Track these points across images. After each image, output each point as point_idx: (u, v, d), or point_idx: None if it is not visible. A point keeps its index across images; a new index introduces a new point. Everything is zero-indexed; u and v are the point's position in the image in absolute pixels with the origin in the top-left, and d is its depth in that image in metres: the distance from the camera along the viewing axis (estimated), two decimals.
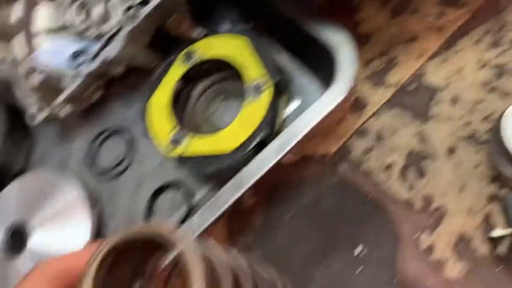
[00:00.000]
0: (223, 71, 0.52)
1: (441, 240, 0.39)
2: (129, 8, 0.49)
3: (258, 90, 0.45)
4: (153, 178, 0.52)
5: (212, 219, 0.41)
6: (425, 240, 0.40)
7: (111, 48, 0.50)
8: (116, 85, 0.57)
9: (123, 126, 0.56)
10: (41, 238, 0.49)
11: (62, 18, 0.59)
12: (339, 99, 0.41)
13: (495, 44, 0.44)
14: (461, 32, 0.45)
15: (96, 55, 0.51)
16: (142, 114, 0.55)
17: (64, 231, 0.50)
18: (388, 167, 0.43)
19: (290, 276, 0.42)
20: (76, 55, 0.58)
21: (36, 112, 0.52)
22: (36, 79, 0.54)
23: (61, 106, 0.54)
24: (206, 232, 0.42)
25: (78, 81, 0.52)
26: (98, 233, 0.50)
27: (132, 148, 0.54)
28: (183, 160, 0.46)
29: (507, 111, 0.37)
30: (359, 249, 0.41)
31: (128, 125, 0.56)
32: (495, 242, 0.39)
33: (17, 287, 0.23)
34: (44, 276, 0.23)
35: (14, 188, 0.53)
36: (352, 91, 0.41)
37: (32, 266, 0.48)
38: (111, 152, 0.55)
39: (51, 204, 0.51)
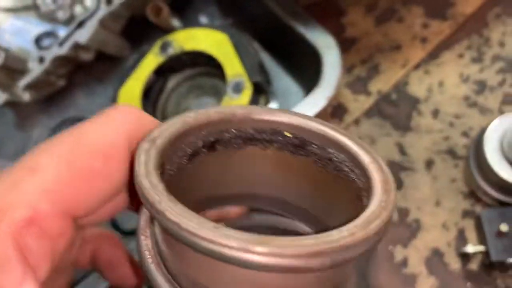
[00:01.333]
0: (199, 66, 0.50)
1: (415, 254, 0.39)
2: None
3: (237, 88, 0.43)
4: None
5: None
6: (400, 252, 0.39)
7: (82, 33, 0.47)
8: (81, 73, 0.54)
9: (86, 117, 0.53)
10: None
11: None
12: (321, 104, 0.39)
13: (477, 59, 0.44)
14: (445, 45, 0.45)
15: (66, 39, 0.47)
16: (107, 105, 0.52)
17: None
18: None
19: None
20: (41, 37, 0.54)
21: None
22: None
23: (22, 90, 0.50)
24: None
25: (43, 66, 0.48)
26: None
27: None
28: None
29: (489, 127, 0.37)
30: None
31: (92, 115, 0.53)
32: (466, 258, 0.39)
33: (95, 121, 0.19)
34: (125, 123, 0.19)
35: None
36: (334, 97, 0.40)
37: None
38: None
39: None
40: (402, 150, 0.42)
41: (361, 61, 0.46)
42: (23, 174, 0.16)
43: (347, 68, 0.46)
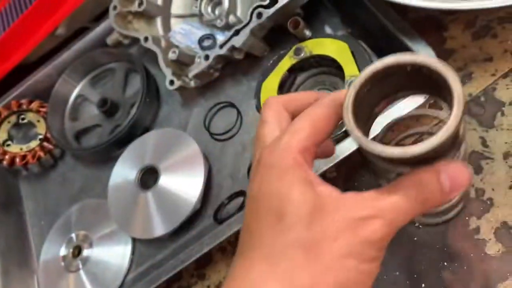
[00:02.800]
0: (322, 67, 0.64)
1: (487, 224, 0.49)
2: (256, 7, 0.62)
3: None
4: None
5: None
6: (473, 222, 0.50)
7: (237, 39, 0.63)
8: (230, 67, 0.71)
9: (233, 101, 0.69)
10: (166, 179, 0.64)
11: (194, 8, 0.73)
12: (421, 101, 0.51)
13: None
14: None
15: (225, 43, 0.64)
16: (249, 93, 0.69)
17: (183, 177, 0.64)
18: None
19: None
20: (202, 39, 0.72)
21: (174, 79, 0.66)
22: (172, 54, 0.68)
23: (190, 79, 0.68)
24: None
25: (207, 62, 0.65)
26: (207, 183, 0.64)
27: (240, 119, 0.68)
28: None
29: None
30: (416, 224, 0.52)
31: (238, 101, 0.69)
32: None
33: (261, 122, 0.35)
34: (275, 105, 0.35)
35: (147, 138, 0.69)
36: None
37: (157, 200, 0.63)
38: (223, 120, 0.69)
39: (175, 154, 0.66)
40: (484, 143, 0.52)
41: (457, 69, 0.56)
42: (290, 136, 0.32)
43: None
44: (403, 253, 0.51)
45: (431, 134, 0.45)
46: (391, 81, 0.33)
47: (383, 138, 0.46)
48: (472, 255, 0.48)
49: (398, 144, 0.49)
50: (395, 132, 0.48)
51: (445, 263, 0.49)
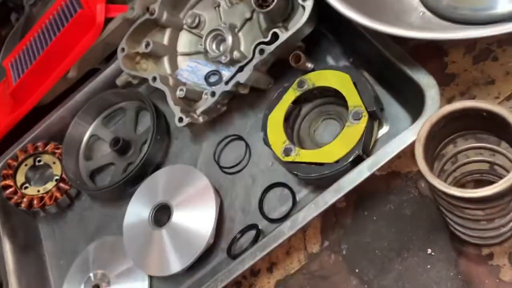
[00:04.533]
0: (326, 97, 0.65)
1: (500, 250, 0.49)
2: (258, 44, 0.63)
3: (357, 116, 0.57)
4: (265, 177, 0.66)
5: (314, 215, 0.54)
6: (487, 248, 0.49)
7: (242, 75, 0.64)
8: (236, 101, 0.72)
9: (241, 134, 0.71)
10: (179, 216, 0.65)
11: (199, 46, 0.75)
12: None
13: None
14: None
15: (230, 79, 0.66)
16: (256, 125, 0.70)
17: (196, 212, 0.65)
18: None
19: (372, 266, 0.54)
20: (209, 75, 0.74)
21: (183, 117, 0.67)
22: (180, 92, 0.70)
23: (198, 115, 0.69)
24: (306, 225, 0.55)
25: (214, 98, 0.67)
26: (219, 217, 0.65)
27: (249, 152, 0.69)
28: (293, 165, 0.59)
29: None
30: (429, 250, 0.52)
31: (246, 133, 0.71)
32: None
33: None
34: None
35: (159, 176, 0.70)
36: None
37: (171, 237, 0.64)
38: (232, 153, 0.70)
39: (186, 190, 0.67)
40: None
41: (460, 93, 0.57)
42: None
43: (448, 99, 0.57)
44: (417, 283, 0.51)
45: (492, 173, 0.50)
46: (463, 121, 0.38)
47: (441, 171, 0.48)
48: (486, 281, 0.48)
49: (458, 182, 0.52)
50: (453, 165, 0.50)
51: None
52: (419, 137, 0.34)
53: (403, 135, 0.52)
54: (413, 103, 0.56)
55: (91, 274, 0.70)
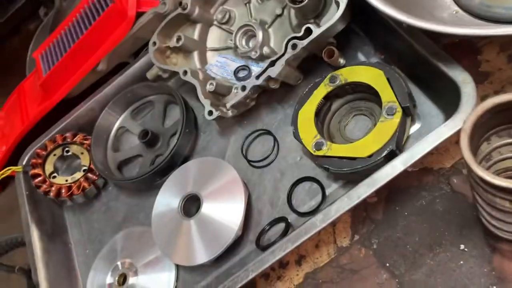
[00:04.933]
0: (358, 93, 0.65)
1: None
2: (290, 39, 0.64)
3: (390, 111, 0.57)
4: (293, 171, 0.66)
5: (347, 208, 0.54)
6: None
7: (273, 70, 0.65)
8: (265, 96, 0.73)
9: (269, 128, 0.71)
10: (208, 207, 0.66)
11: (229, 41, 0.76)
12: (457, 127, 0.52)
13: None
14: None
15: (261, 73, 0.66)
16: (285, 120, 0.70)
17: (225, 204, 0.66)
18: None
19: (403, 260, 0.54)
20: (238, 70, 0.75)
21: (212, 110, 0.68)
22: (210, 86, 0.71)
23: (227, 109, 0.70)
24: (337, 219, 0.55)
25: (244, 92, 0.68)
26: (247, 210, 0.65)
27: (277, 146, 0.69)
28: (324, 160, 0.59)
29: None
30: (462, 246, 0.52)
31: (274, 128, 0.71)
32: None
33: None
34: None
35: (188, 167, 0.71)
36: None
37: (200, 227, 0.64)
38: (260, 147, 0.71)
39: (215, 182, 0.67)
40: None
41: (494, 92, 0.57)
42: None
43: (482, 97, 0.57)
44: (450, 278, 0.51)
45: None
46: (502, 116, 0.38)
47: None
48: None
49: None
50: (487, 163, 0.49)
51: (494, 287, 0.49)
52: (465, 128, 0.35)
53: (439, 131, 0.52)
54: (447, 100, 0.56)
55: (119, 263, 0.70)
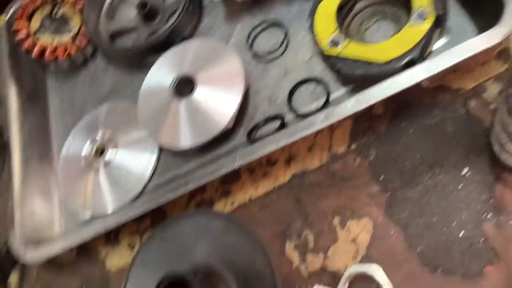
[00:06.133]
0: None
1: None
2: None
3: (421, 16, 0.51)
4: (300, 71, 0.61)
5: (352, 111, 0.50)
6: None
7: None
8: None
9: (282, 20, 0.65)
10: (202, 91, 0.61)
11: None
12: (494, 42, 0.47)
13: None
14: None
15: None
16: (300, 15, 0.64)
17: (220, 92, 0.61)
18: None
19: (398, 176, 0.52)
20: None
21: None
22: None
23: None
24: (335, 124, 0.52)
25: None
26: (243, 102, 0.61)
27: (287, 42, 0.63)
28: (337, 60, 0.54)
29: None
30: (465, 170, 0.49)
31: (287, 22, 0.65)
32: None
33: None
34: None
35: (188, 46, 0.65)
36: (505, 40, 0.47)
37: (190, 111, 0.60)
38: (267, 40, 0.65)
39: (215, 67, 0.62)
40: None
41: None
42: None
43: None
44: (444, 200, 0.49)
45: None
46: None
47: None
48: None
49: None
50: None
51: (489, 215, 0.47)
52: None
53: (470, 43, 0.47)
54: (485, 13, 0.50)
55: (100, 132, 0.66)
